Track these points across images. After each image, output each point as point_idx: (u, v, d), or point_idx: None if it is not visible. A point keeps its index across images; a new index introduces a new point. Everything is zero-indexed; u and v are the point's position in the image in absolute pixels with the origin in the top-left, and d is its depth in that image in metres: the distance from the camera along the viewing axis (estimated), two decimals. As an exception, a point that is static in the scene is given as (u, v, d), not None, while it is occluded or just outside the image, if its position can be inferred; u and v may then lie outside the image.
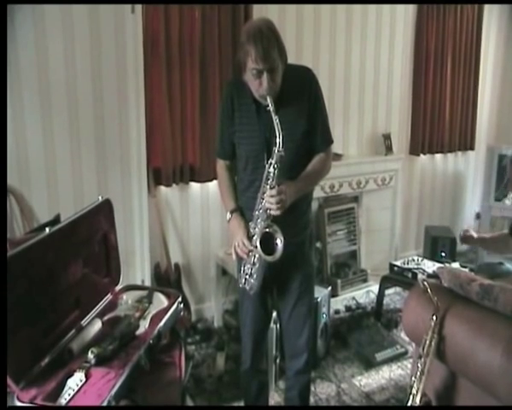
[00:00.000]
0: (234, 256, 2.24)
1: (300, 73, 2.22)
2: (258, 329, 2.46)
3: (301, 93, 2.17)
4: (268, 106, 2.02)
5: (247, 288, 2.25)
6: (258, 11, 3.69)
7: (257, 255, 2.14)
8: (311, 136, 2.20)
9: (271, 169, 2.05)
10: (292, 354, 2.47)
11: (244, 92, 2.15)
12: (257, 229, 2.12)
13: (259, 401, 2.58)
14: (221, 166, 2.39)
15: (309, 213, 2.38)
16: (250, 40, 1.97)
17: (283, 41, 2.06)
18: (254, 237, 2.12)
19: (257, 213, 2.13)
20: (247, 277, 2.23)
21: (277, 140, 2.01)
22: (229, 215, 2.28)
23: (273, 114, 2.00)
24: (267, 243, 2.09)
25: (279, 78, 2.06)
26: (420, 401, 1.89)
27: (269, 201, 2.04)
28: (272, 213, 2.06)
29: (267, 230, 2.09)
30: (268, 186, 2.06)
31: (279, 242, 2.07)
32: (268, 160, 2.08)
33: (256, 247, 2.10)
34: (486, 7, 5.04)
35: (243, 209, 2.28)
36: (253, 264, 2.17)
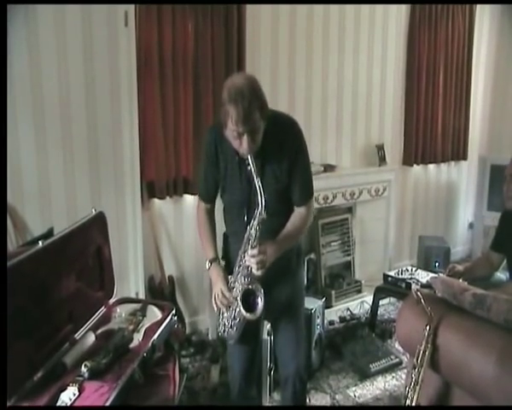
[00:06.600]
0: (215, 307, 2.24)
1: (284, 127, 2.16)
2: (246, 355, 2.38)
3: (283, 148, 2.13)
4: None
5: (226, 337, 2.25)
6: (251, 25, 3.72)
7: (237, 309, 2.12)
8: (292, 190, 2.19)
9: (253, 231, 2.05)
10: (281, 362, 2.46)
11: (228, 141, 2.08)
12: (237, 283, 2.13)
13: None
14: (202, 209, 2.36)
15: None
16: (231, 101, 1.92)
17: (265, 97, 2.01)
18: (236, 294, 2.11)
19: (237, 268, 2.14)
20: (227, 327, 2.22)
21: (259, 203, 1.99)
22: (208, 264, 2.27)
23: (255, 176, 1.98)
24: (247, 299, 2.09)
25: (260, 137, 2.03)
26: (414, 412, 1.89)
27: (250, 260, 2.04)
28: (253, 271, 2.05)
29: (249, 287, 2.08)
30: (249, 246, 2.06)
31: (259, 300, 2.07)
32: (248, 214, 2.11)
33: (237, 302, 2.10)
34: (477, 18, 5.10)
35: (231, 235, 2.31)
36: (234, 318, 2.17)
